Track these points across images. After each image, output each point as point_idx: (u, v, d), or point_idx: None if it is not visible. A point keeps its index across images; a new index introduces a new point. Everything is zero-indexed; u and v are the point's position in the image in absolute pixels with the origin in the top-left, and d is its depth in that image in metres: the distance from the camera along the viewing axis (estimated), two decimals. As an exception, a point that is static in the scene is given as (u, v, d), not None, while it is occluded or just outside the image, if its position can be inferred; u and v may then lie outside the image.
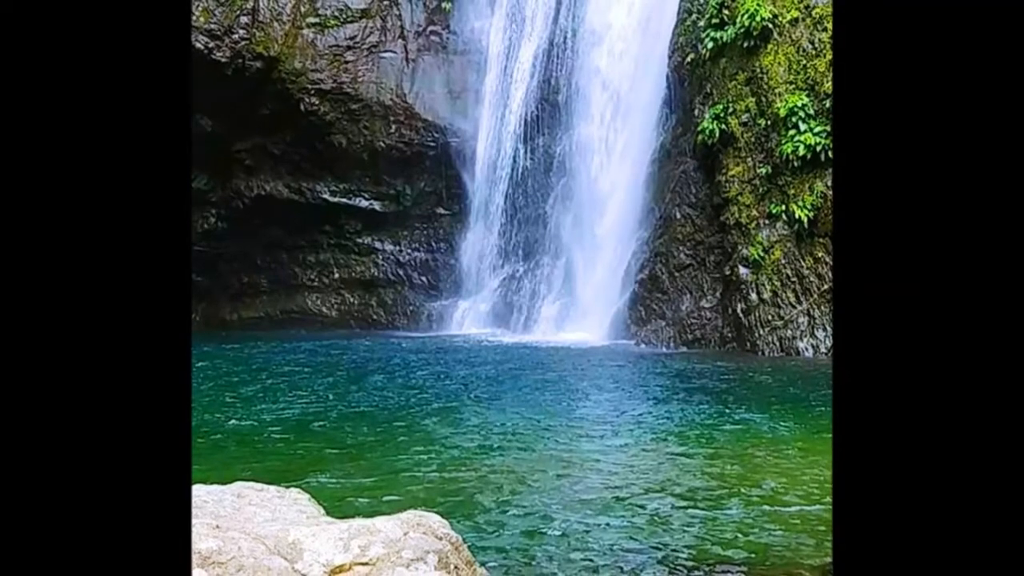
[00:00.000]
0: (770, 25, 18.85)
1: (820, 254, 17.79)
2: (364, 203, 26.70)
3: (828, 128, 17.64)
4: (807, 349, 17.59)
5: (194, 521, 2.84)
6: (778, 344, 17.93)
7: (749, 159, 19.14)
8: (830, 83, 17.55)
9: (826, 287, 17.48)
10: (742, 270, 18.76)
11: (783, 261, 18.28)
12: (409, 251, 27.15)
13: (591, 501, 7.13)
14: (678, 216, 20.60)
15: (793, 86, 18.49)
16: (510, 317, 24.67)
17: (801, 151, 17.95)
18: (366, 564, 2.91)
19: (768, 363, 16.72)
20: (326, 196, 26.66)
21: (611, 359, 17.90)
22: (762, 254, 18.45)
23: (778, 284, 18.23)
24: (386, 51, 25.92)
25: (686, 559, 5.72)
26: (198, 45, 23.74)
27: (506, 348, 20.31)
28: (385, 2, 26.05)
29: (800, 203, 18.02)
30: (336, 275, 27.54)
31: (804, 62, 18.47)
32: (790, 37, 18.77)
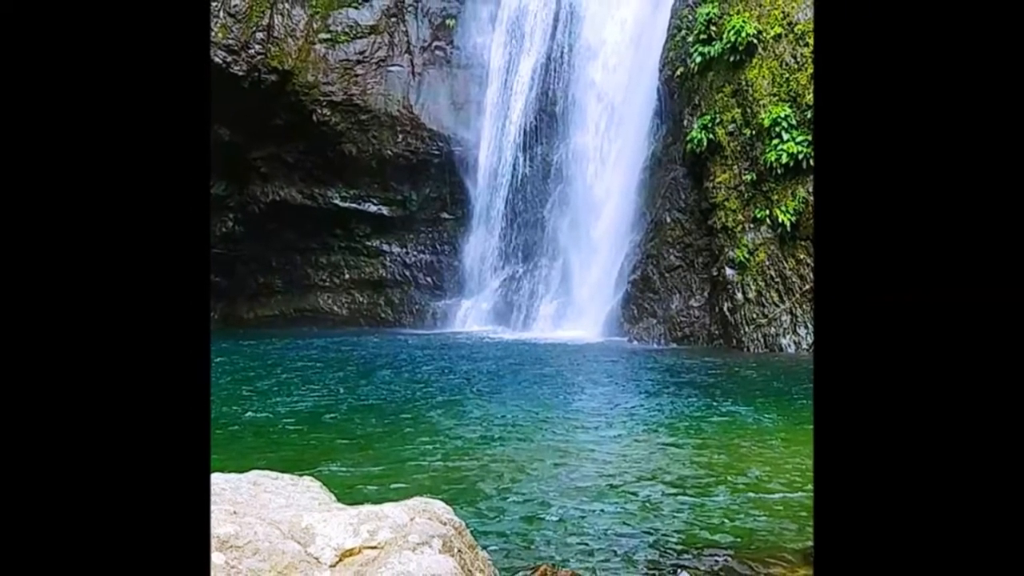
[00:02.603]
0: (755, 41, 18.85)
1: (802, 256, 17.80)
2: (373, 208, 26.73)
3: (810, 137, 17.65)
4: (790, 345, 17.60)
5: (213, 507, 2.83)
6: (762, 341, 17.94)
7: (735, 167, 19.14)
8: (811, 95, 17.55)
9: (807, 287, 17.49)
10: (728, 271, 18.76)
11: (767, 263, 18.28)
12: (415, 253, 27.16)
13: (586, 489, 7.13)
14: (668, 220, 20.61)
15: (776, 98, 18.49)
16: (510, 315, 24.68)
17: (784, 159, 17.96)
18: (375, 548, 2.91)
19: (753, 359, 16.72)
20: (337, 201, 26.68)
21: (605, 355, 17.88)
22: (747, 256, 18.45)
23: (762, 284, 18.23)
24: (393, 65, 25.93)
25: (676, 543, 5.72)
26: (216, 60, 23.77)
27: (506, 345, 20.29)
28: (393, 19, 26.08)
29: (783, 208, 18.02)
30: (346, 276, 27.55)
31: (787, 75, 18.47)
32: (774, 52, 18.77)
